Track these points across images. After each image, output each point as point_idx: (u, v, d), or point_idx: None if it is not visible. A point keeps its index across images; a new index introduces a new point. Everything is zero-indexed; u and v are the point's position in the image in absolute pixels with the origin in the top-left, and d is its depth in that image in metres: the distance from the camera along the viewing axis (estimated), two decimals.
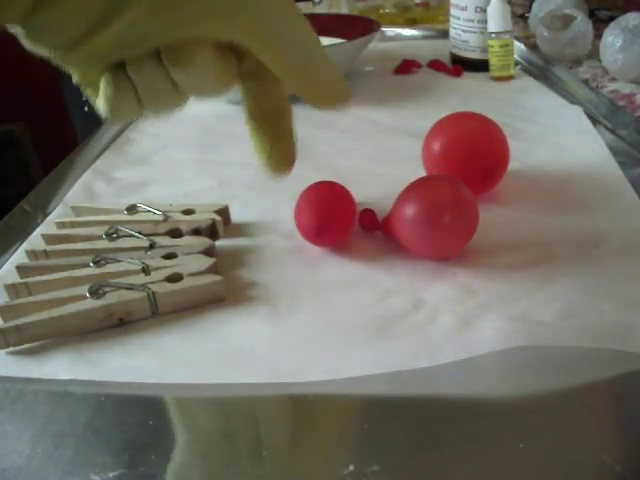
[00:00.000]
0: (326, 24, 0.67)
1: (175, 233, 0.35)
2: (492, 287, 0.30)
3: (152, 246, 0.33)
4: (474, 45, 0.64)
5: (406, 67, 0.67)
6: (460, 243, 0.32)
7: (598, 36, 0.65)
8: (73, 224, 0.37)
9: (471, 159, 0.36)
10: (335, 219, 0.33)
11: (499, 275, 0.31)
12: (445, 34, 0.72)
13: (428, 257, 0.32)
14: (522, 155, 0.45)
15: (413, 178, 0.33)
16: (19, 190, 0.46)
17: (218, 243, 0.35)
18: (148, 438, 0.23)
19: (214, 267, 0.31)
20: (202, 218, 0.36)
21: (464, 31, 0.65)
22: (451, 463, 0.22)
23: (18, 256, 0.36)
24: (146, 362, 0.27)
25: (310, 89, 0.24)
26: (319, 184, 0.34)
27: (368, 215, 0.35)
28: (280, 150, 0.26)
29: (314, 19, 0.23)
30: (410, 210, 0.31)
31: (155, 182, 0.46)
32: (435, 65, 0.68)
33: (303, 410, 0.24)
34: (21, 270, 0.33)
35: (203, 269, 0.31)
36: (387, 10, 0.97)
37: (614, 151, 0.45)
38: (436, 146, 0.38)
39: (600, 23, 0.77)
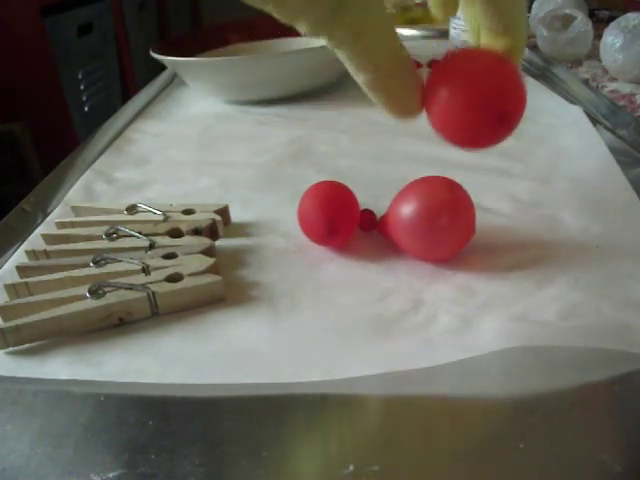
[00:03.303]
0: None
1: (175, 233, 0.35)
2: (492, 287, 0.30)
3: (152, 246, 0.33)
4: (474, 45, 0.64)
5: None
6: (455, 247, 0.32)
7: (598, 36, 0.65)
8: (73, 224, 0.37)
9: (478, 102, 0.28)
10: (344, 219, 0.33)
11: (499, 275, 0.31)
12: (445, 34, 0.72)
13: (425, 260, 0.32)
14: (522, 155, 0.46)
15: (413, 178, 0.33)
16: (19, 190, 0.46)
17: (218, 243, 0.35)
18: (148, 438, 0.23)
19: (214, 267, 0.31)
20: (202, 218, 0.36)
21: (464, 31, 0.65)
22: (451, 463, 0.22)
23: (18, 256, 0.36)
24: (146, 362, 0.27)
25: None
26: (323, 184, 0.34)
27: (367, 215, 0.35)
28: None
29: None
30: (405, 214, 0.31)
31: (155, 182, 0.46)
32: None
33: (303, 410, 0.24)
34: (21, 270, 0.33)
35: (203, 269, 0.31)
36: (387, 10, 0.97)
37: (614, 151, 0.45)
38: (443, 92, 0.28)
39: (600, 23, 0.77)
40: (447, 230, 0.30)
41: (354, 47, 0.24)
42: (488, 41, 0.29)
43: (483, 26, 0.29)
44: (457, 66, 0.29)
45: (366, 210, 0.35)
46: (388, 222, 0.32)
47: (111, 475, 0.21)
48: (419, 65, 0.68)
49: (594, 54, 0.68)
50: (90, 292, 0.29)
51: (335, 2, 0.22)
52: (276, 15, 0.23)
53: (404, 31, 0.92)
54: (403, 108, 0.28)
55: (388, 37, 0.26)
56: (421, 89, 0.28)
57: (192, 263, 0.31)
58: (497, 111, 0.28)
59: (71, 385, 0.26)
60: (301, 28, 0.23)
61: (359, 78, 0.26)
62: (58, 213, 0.41)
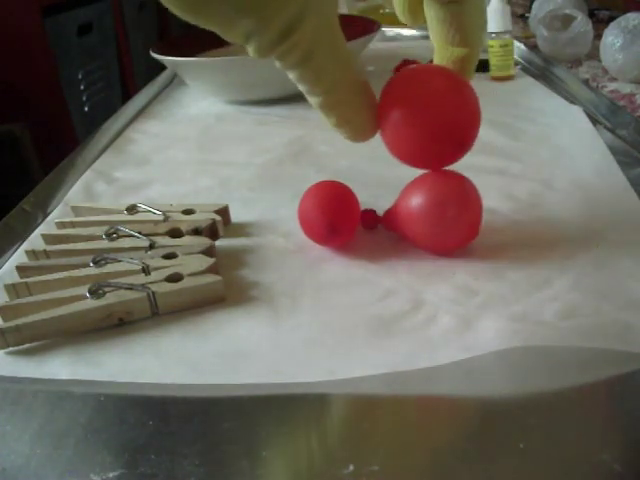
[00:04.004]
0: None
1: (175, 233, 0.35)
2: (492, 287, 0.30)
3: (152, 246, 0.33)
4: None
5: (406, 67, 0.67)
6: (461, 239, 0.32)
7: (598, 36, 0.65)
8: (73, 224, 0.37)
9: (439, 133, 0.29)
10: (345, 219, 0.33)
11: (499, 275, 0.31)
12: None
13: (431, 251, 0.32)
14: (522, 155, 0.45)
15: (412, 178, 0.33)
16: (19, 190, 0.46)
17: (218, 243, 0.35)
18: (148, 438, 0.23)
19: (214, 267, 0.31)
20: (202, 218, 0.36)
21: None
22: (451, 463, 0.21)
23: (18, 256, 0.36)
24: (146, 362, 0.27)
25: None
26: (323, 184, 0.34)
27: (369, 214, 0.35)
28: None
29: None
30: (416, 202, 0.31)
31: (155, 182, 0.46)
32: None
33: (303, 410, 0.24)
34: (21, 270, 0.33)
35: (203, 269, 0.31)
36: (387, 10, 0.97)
37: (614, 151, 0.44)
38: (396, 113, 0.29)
39: (600, 23, 0.77)
40: (456, 219, 0.31)
41: (304, 70, 0.24)
42: (440, 51, 0.30)
43: (439, 37, 0.30)
44: (413, 90, 0.29)
45: (368, 209, 0.35)
46: (397, 212, 0.33)
47: (111, 475, 0.21)
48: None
49: (594, 54, 0.68)
50: (90, 292, 0.29)
51: (285, 25, 0.22)
52: (224, 37, 0.23)
53: (404, 31, 0.92)
54: (356, 132, 0.28)
55: (340, 60, 0.25)
56: (375, 111, 0.28)
57: (192, 263, 0.31)
58: (457, 140, 0.29)
59: (71, 385, 0.26)
60: (250, 51, 0.23)
61: (311, 100, 0.26)
62: (58, 213, 0.41)
